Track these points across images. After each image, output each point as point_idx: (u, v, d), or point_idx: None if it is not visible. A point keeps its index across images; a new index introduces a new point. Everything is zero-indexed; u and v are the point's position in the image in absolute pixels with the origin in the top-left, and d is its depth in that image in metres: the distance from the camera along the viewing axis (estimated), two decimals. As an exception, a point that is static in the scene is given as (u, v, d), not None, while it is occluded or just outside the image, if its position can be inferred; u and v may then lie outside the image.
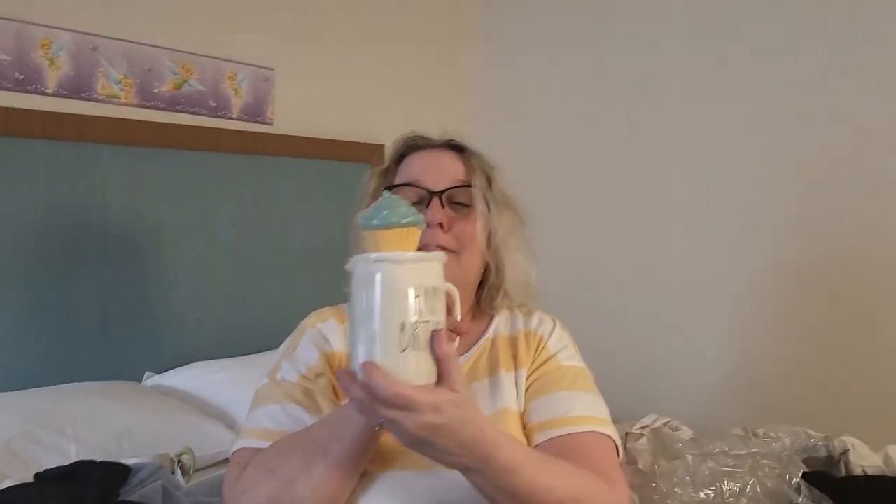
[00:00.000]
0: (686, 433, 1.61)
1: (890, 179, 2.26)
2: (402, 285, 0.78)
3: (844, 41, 2.33)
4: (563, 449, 0.99)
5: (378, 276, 0.78)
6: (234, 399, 1.94)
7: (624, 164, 2.80)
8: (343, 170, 2.60)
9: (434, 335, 0.79)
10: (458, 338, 0.93)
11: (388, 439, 0.99)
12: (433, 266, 0.82)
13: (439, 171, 1.11)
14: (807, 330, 2.40)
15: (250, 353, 2.22)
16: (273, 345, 2.24)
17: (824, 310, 2.37)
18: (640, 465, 1.53)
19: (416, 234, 0.82)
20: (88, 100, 2.06)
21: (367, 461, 0.95)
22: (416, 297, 0.78)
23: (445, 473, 0.96)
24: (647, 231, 2.75)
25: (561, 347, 1.12)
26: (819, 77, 2.37)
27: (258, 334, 2.30)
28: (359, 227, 0.82)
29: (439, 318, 0.80)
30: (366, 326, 0.79)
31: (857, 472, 1.43)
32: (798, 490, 1.20)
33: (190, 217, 2.20)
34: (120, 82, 2.12)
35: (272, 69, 2.48)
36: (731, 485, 1.21)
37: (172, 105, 2.23)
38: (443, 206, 1.08)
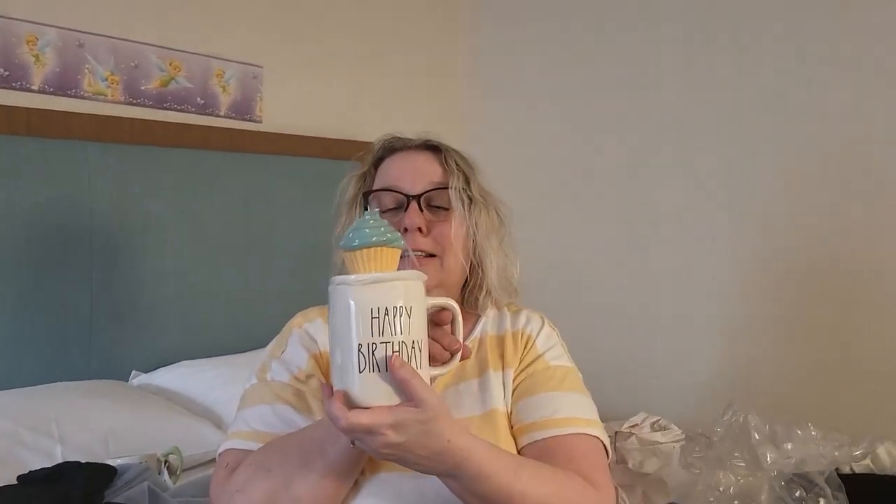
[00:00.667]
0: (675, 432, 1.61)
1: (878, 178, 2.27)
2: (358, 306, 0.80)
3: (832, 40, 2.33)
4: (549, 451, 0.98)
5: (337, 299, 0.81)
6: (221, 398, 1.93)
7: (614, 162, 2.80)
8: (331, 168, 2.56)
9: (390, 358, 0.79)
10: (452, 356, 0.93)
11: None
12: (399, 285, 0.81)
13: (416, 173, 1.10)
14: (796, 328, 2.41)
15: (238, 353, 2.20)
16: (261, 344, 2.22)
17: (813, 308, 2.38)
18: (630, 465, 1.53)
19: (393, 254, 0.83)
20: (75, 97, 2.04)
21: (363, 463, 0.95)
22: (374, 318, 0.79)
23: (433, 476, 0.97)
24: (637, 229, 2.75)
25: (549, 347, 1.11)
26: (808, 76, 2.38)
27: (246, 333, 2.28)
28: (340, 247, 0.83)
29: (407, 338, 0.80)
30: (333, 350, 0.82)
31: (845, 470, 1.44)
32: (786, 488, 1.20)
33: (177, 215, 2.18)
34: (106, 79, 2.10)
35: (260, 67, 2.47)
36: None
37: (159, 102, 2.21)
38: (421, 210, 1.07)
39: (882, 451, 1.50)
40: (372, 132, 2.72)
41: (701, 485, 1.18)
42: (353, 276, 0.81)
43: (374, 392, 0.79)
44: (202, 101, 2.31)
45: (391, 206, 1.09)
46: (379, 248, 0.81)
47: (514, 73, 3.07)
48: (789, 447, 1.25)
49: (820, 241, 2.36)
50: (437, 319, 0.93)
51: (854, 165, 2.31)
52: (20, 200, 1.88)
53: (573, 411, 1.03)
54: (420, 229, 1.05)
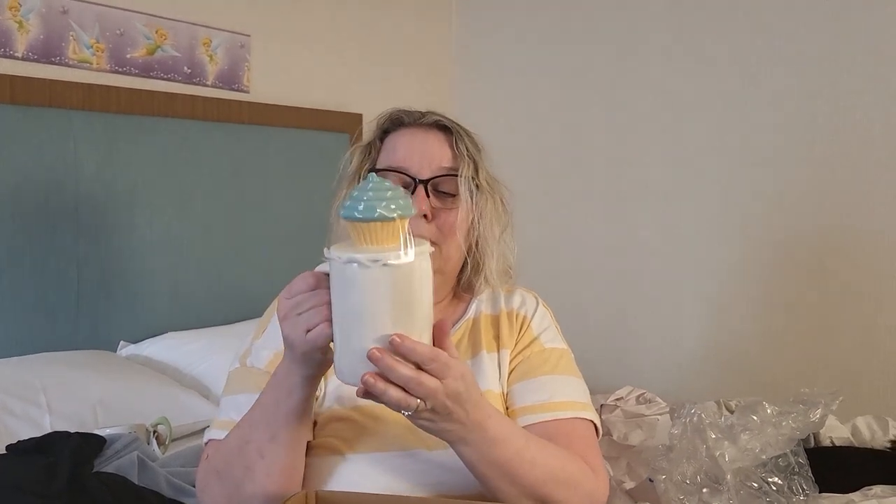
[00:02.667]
0: (660, 405, 1.63)
1: (862, 155, 2.29)
2: (385, 288, 0.74)
3: (824, 19, 2.33)
4: (547, 434, 0.98)
5: (356, 275, 0.73)
6: (208, 369, 1.93)
7: (603, 139, 2.80)
8: (320, 139, 2.57)
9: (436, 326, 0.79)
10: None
11: (365, 422, 1.00)
12: (425, 266, 0.77)
13: (426, 156, 1.06)
14: (783, 304, 2.44)
15: (225, 324, 2.21)
16: (248, 315, 2.25)
17: (801, 285, 2.40)
18: (615, 437, 1.55)
19: (405, 223, 0.76)
20: (59, 65, 2.01)
21: (308, 430, 0.93)
22: (398, 299, 0.74)
23: (423, 455, 0.98)
24: (626, 205, 2.76)
25: (544, 328, 1.11)
26: (794, 53, 2.38)
27: (233, 304, 2.29)
28: (341, 216, 0.75)
29: (426, 311, 0.77)
30: (346, 323, 0.75)
31: (826, 443, 1.46)
32: (776, 456, 1.22)
33: (164, 185, 2.16)
34: (91, 47, 2.07)
35: (248, 35, 2.44)
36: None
37: (146, 71, 2.19)
38: (427, 196, 1.04)
39: (862, 423, 1.53)
40: (360, 103, 2.75)
41: (668, 484, 1.19)
42: (378, 255, 0.73)
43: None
44: (189, 71, 2.29)
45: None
46: (400, 221, 0.75)
47: (503, 46, 3.05)
48: (746, 437, 1.23)
49: (809, 217, 2.38)
50: None
51: (840, 142, 2.32)
52: (5, 170, 1.86)
53: (569, 395, 1.04)
54: (425, 216, 1.03)
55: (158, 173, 2.15)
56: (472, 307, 1.13)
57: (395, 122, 1.12)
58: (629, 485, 1.39)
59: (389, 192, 0.75)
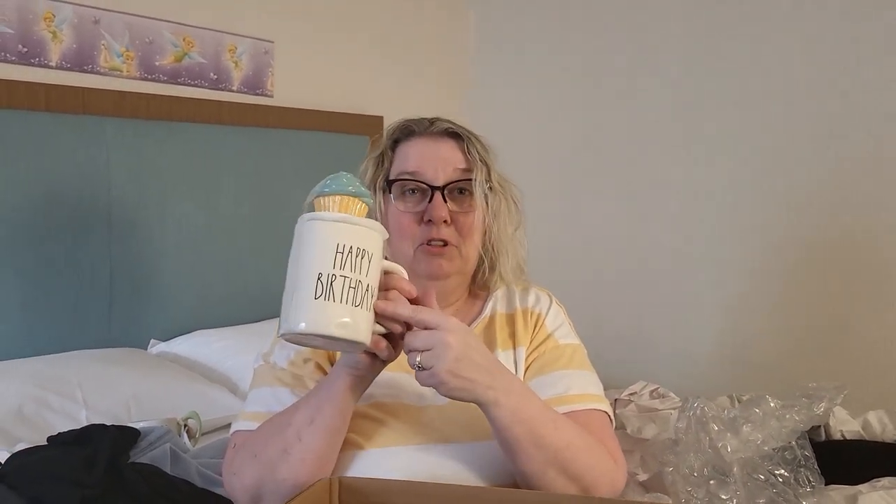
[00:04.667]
0: (673, 400, 1.66)
1: (877, 150, 2.30)
2: (324, 238, 0.84)
3: (841, 17, 2.34)
4: None
5: (304, 232, 0.86)
6: (236, 366, 1.99)
7: (620, 138, 2.83)
8: (342, 142, 2.63)
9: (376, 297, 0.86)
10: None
11: (384, 418, 1.04)
12: (364, 231, 0.85)
13: (439, 162, 1.10)
14: (799, 303, 2.45)
15: (251, 322, 2.27)
16: (272, 313, 2.31)
17: (817, 284, 2.42)
18: (629, 431, 1.58)
19: (362, 208, 0.87)
20: (91, 73, 2.08)
21: (344, 423, 0.97)
22: (338, 252, 0.83)
23: (439, 447, 1.02)
24: (640, 203, 2.79)
25: (557, 325, 1.14)
26: (816, 52, 2.39)
27: (258, 303, 2.35)
28: (311, 196, 0.88)
29: (364, 279, 0.84)
30: (289, 279, 0.85)
31: (837, 436, 1.49)
32: (783, 449, 1.25)
33: (192, 188, 2.23)
34: (122, 55, 2.14)
35: (272, 42, 2.50)
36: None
37: (174, 78, 2.26)
38: (445, 201, 1.08)
39: (873, 417, 1.56)
40: (381, 106, 2.80)
41: (674, 475, 1.23)
42: (324, 213, 0.86)
43: (328, 319, 0.82)
44: (215, 77, 2.36)
45: (413, 189, 1.11)
46: (350, 198, 0.86)
47: (521, 48, 3.09)
48: (748, 429, 1.26)
49: (824, 214, 2.40)
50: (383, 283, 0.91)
51: (854, 139, 2.33)
52: (41, 175, 1.93)
53: (584, 387, 1.08)
54: (445, 221, 1.07)
55: (187, 177, 2.22)
56: (489, 306, 1.17)
57: (406, 132, 1.15)
58: (642, 477, 1.42)
59: (357, 183, 0.88)
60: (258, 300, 2.36)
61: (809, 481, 1.26)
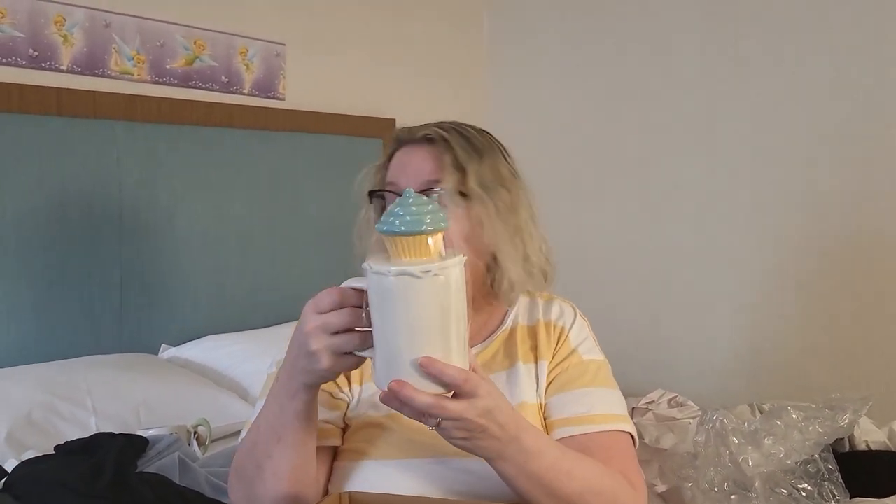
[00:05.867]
0: (692, 408, 1.63)
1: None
2: (446, 295, 0.76)
3: (860, 18, 2.30)
4: (586, 447, 0.98)
5: (428, 288, 0.75)
6: (247, 371, 1.98)
7: (637, 140, 2.80)
8: (354, 145, 2.61)
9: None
10: None
11: (399, 429, 1.02)
12: (463, 268, 0.78)
13: (411, 171, 1.06)
14: (816, 307, 2.41)
15: (263, 327, 2.25)
16: (284, 318, 2.30)
17: (835, 287, 2.38)
18: (647, 440, 1.55)
19: (440, 237, 0.78)
20: (102, 76, 2.07)
21: (312, 432, 0.94)
22: (456, 302, 0.77)
23: (454, 462, 0.99)
24: (658, 206, 2.75)
25: (581, 340, 1.10)
26: (834, 54, 2.35)
27: (270, 308, 2.33)
28: (382, 231, 0.77)
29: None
30: (390, 340, 0.77)
31: (861, 447, 1.45)
32: (805, 463, 1.22)
33: (203, 192, 2.22)
34: (133, 58, 2.13)
35: (283, 44, 2.48)
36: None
37: (185, 81, 2.25)
38: None
39: (899, 427, 1.52)
40: (394, 109, 2.78)
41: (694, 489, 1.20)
42: (432, 266, 0.75)
43: (427, 386, 0.77)
44: (226, 80, 2.34)
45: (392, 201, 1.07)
46: (436, 233, 0.77)
47: (536, 49, 3.06)
48: (769, 441, 1.22)
49: (845, 219, 2.35)
50: None
51: (877, 142, 2.29)
52: (52, 178, 1.93)
53: (607, 408, 1.04)
54: None
55: (198, 180, 2.21)
56: (510, 318, 1.13)
57: (398, 142, 1.11)
58: (661, 488, 1.39)
59: (430, 206, 0.77)
60: (270, 305, 2.35)
61: (834, 495, 1.23)
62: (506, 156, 1.13)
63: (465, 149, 1.06)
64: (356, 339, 0.80)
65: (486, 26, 3.18)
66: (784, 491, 1.18)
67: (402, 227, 0.75)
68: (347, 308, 0.81)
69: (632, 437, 1.05)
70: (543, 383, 1.07)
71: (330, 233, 2.52)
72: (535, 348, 1.09)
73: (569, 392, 1.05)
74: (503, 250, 1.05)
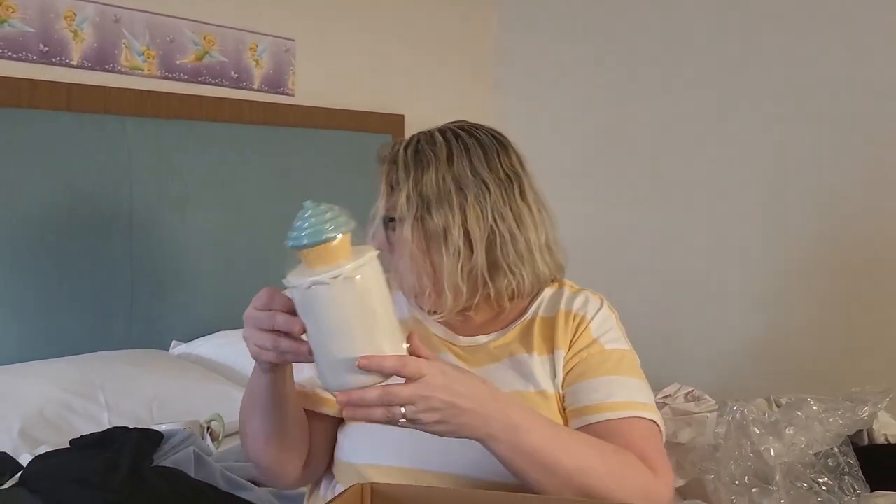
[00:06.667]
0: (709, 402, 1.62)
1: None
2: (363, 293, 0.80)
3: (875, 10, 2.29)
4: (605, 435, 0.97)
5: (342, 291, 0.79)
6: (258, 367, 1.97)
7: (648, 130, 2.78)
8: (364, 140, 2.60)
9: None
10: None
11: None
12: (377, 262, 0.83)
13: (377, 193, 1.11)
14: (831, 299, 2.40)
15: (274, 323, 2.24)
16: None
17: (850, 281, 2.36)
18: (664, 435, 1.54)
19: (348, 237, 0.82)
20: (112, 72, 2.07)
21: (279, 406, 0.99)
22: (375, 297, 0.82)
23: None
24: (671, 198, 2.74)
25: (605, 330, 1.09)
26: (847, 45, 2.33)
27: (282, 304, 2.32)
28: (288, 246, 0.84)
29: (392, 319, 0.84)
30: (343, 335, 0.80)
31: (881, 440, 1.44)
32: (825, 457, 1.21)
33: (213, 188, 2.21)
34: (143, 54, 2.13)
35: (293, 40, 2.48)
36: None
37: (194, 76, 2.24)
38: (385, 229, 1.10)
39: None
40: (402, 104, 2.77)
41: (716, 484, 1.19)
42: (339, 271, 0.79)
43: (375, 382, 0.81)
44: (236, 75, 2.34)
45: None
46: (342, 237, 0.80)
47: (545, 42, 3.05)
48: (791, 432, 1.21)
49: (858, 210, 2.34)
50: None
51: (892, 137, 2.27)
52: (62, 174, 1.92)
53: (629, 395, 1.02)
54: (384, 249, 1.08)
55: (208, 176, 2.20)
56: (532, 308, 1.13)
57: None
58: (679, 482, 1.38)
59: (328, 213, 0.81)
60: (280, 301, 2.34)
61: (854, 489, 1.21)
62: (484, 145, 1.09)
63: (400, 166, 1.08)
64: (282, 342, 0.85)
65: (495, 21, 3.17)
66: (804, 484, 1.17)
67: (306, 240, 0.80)
68: (274, 311, 0.87)
69: (657, 426, 1.03)
70: (560, 373, 1.06)
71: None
72: (551, 338, 1.09)
73: (587, 381, 1.04)
74: (443, 272, 1.05)
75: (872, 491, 1.26)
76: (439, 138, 1.09)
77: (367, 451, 1.04)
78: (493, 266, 1.05)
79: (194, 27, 2.23)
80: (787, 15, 2.44)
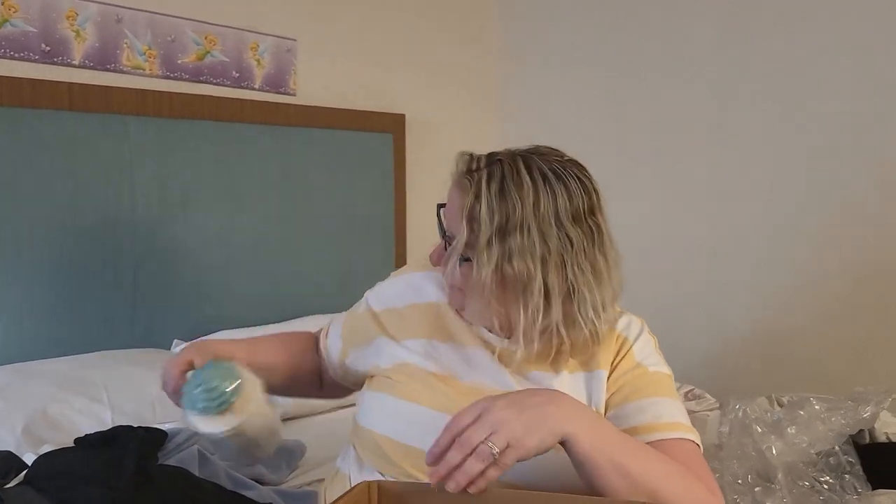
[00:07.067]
0: (709, 401, 1.62)
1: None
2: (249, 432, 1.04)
3: (876, 7, 2.29)
4: None
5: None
6: (261, 367, 1.97)
7: (649, 128, 2.78)
8: (365, 140, 2.60)
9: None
10: None
11: (437, 384, 1.07)
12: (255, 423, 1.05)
13: (448, 213, 1.06)
14: (830, 298, 2.40)
15: (276, 322, 2.25)
16: (297, 313, 2.30)
17: (848, 277, 2.36)
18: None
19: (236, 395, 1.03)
20: (114, 71, 2.07)
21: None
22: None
23: None
24: (671, 196, 2.74)
25: (647, 354, 1.09)
26: (848, 44, 2.34)
27: (283, 303, 2.33)
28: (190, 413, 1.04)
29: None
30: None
31: (882, 439, 1.44)
32: (826, 455, 1.22)
33: (215, 187, 2.22)
34: (144, 53, 2.13)
35: (294, 39, 2.48)
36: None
37: (196, 76, 2.24)
38: (446, 249, 1.05)
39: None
40: (404, 104, 2.77)
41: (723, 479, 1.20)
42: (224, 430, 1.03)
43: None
44: (237, 75, 2.34)
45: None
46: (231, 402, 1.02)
47: (546, 43, 3.05)
48: (793, 431, 1.23)
49: (858, 209, 2.34)
50: None
51: (894, 133, 2.28)
52: (64, 174, 1.93)
53: (674, 416, 1.02)
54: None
55: (209, 175, 2.20)
56: None
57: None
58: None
59: (216, 392, 1.02)
60: (283, 300, 2.34)
61: (855, 488, 1.22)
62: (571, 193, 1.04)
63: (489, 207, 1.00)
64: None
65: (497, 20, 3.17)
66: (806, 483, 1.18)
67: (204, 411, 1.02)
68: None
69: (699, 447, 1.03)
70: (602, 394, 1.05)
71: (341, 227, 2.52)
72: (593, 355, 1.07)
73: (634, 402, 1.04)
74: (514, 319, 1.02)
75: (874, 489, 1.27)
76: (526, 178, 1.01)
77: (382, 422, 1.06)
78: (569, 319, 1.02)
79: (196, 27, 2.23)
80: (789, 10, 2.44)
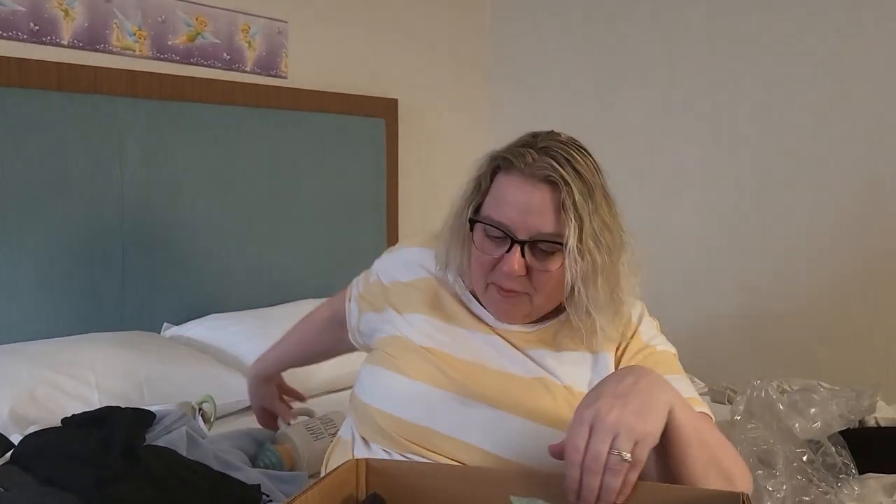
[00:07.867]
0: (698, 385, 1.63)
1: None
2: None
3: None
4: None
5: None
6: (250, 350, 1.95)
7: (637, 118, 2.78)
8: (356, 124, 2.59)
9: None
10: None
11: (434, 360, 1.07)
12: None
13: (529, 215, 0.99)
14: (818, 283, 2.41)
15: (266, 306, 2.24)
16: (287, 297, 2.29)
17: (836, 263, 2.37)
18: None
19: None
20: (103, 52, 2.05)
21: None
22: None
23: (477, 405, 1.02)
24: (659, 183, 2.74)
25: (653, 335, 1.10)
26: (835, 28, 2.33)
27: (273, 287, 2.32)
28: None
29: None
30: None
31: (871, 423, 1.45)
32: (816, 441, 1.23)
33: (205, 170, 2.20)
34: (134, 34, 2.11)
35: (285, 22, 2.46)
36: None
37: (186, 57, 2.22)
38: (523, 255, 0.99)
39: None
40: (395, 89, 2.76)
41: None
42: None
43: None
44: (228, 57, 2.32)
45: (496, 236, 1.01)
46: None
47: (538, 30, 3.04)
48: (812, 412, 1.25)
49: (845, 195, 2.35)
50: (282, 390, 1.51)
51: (885, 119, 2.28)
52: (52, 155, 1.91)
53: (690, 392, 1.02)
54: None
55: (200, 158, 2.19)
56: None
57: (507, 164, 1.03)
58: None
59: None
60: (272, 284, 2.33)
61: (846, 471, 1.23)
62: (603, 180, 1.07)
63: (584, 195, 1.00)
64: None
65: (489, 6, 3.16)
66: (796, 464, 1.19)
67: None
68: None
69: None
70: (606, 373, 1.04)
71: (332, 211, 2.51)
72: (594, 338, 1.06)
73: None
74: (598, 304, 1.02)
75: (863, 473, 1.28)
76: (575, 156, 1.05)
77: (379, 396, 1.05)
78: (607, 298, 1.04)
79: (186, 8, 2.21)
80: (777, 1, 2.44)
